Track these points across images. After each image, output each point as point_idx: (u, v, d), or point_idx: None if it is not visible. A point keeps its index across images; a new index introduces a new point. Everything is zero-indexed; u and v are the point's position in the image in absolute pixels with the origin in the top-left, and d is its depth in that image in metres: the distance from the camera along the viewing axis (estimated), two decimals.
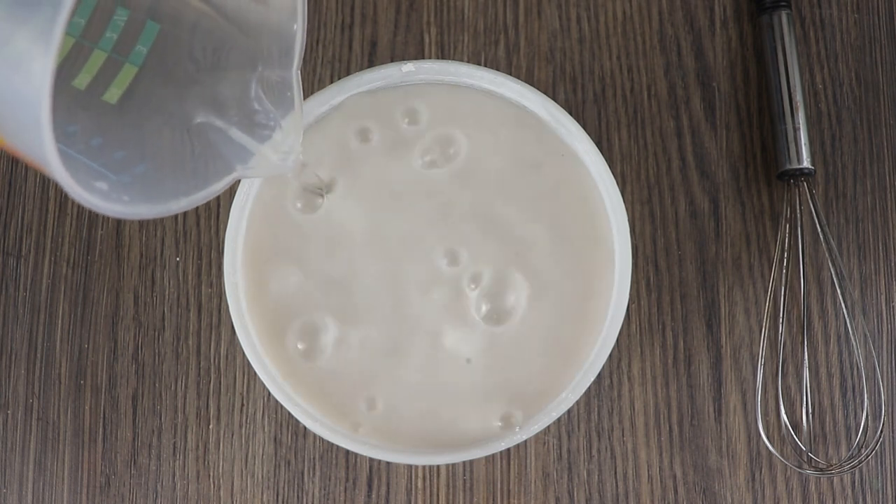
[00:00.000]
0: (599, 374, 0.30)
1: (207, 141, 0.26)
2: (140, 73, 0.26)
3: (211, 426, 0.36)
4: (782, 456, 0.35)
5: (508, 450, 0.35)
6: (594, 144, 0.29)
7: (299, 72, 0.26)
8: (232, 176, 0.25)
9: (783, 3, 0.36)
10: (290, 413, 0.29)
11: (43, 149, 0.18)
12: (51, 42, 0.17)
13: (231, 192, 0.36)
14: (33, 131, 0.18)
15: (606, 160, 0.29)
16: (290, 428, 0.35)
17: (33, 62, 0.18)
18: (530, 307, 0.29)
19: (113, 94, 0.25)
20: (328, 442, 0.31)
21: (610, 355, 0.29)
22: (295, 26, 0.25)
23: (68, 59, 0.25)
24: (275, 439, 0.35)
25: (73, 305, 0.36)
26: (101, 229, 0.37)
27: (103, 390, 0.36)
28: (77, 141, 0.24)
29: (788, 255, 0.35)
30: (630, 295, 0.29)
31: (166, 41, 0.26)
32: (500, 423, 0.29)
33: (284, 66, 0.25)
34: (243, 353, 0.29)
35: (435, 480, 0.35)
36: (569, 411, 0.30)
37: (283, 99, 0.26)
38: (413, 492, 0.35)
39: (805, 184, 0.35)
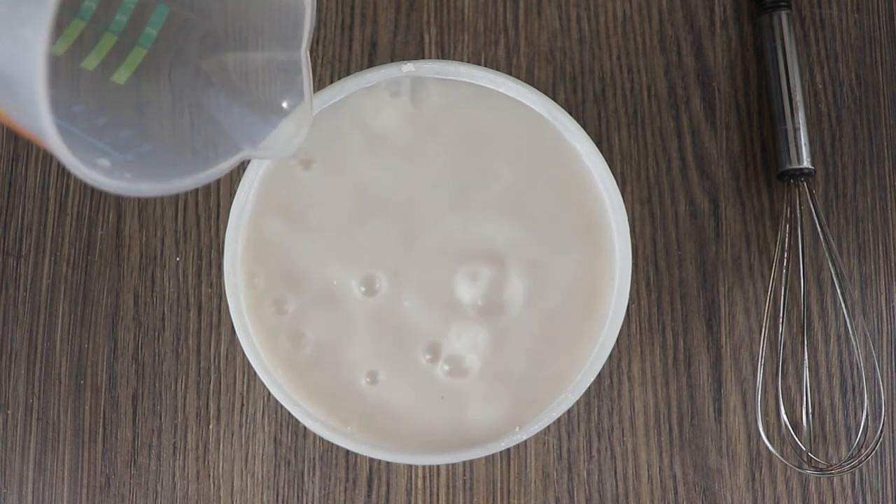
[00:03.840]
0: (599, 374, 0.30)
1: (214, 121, 0.26)
2: (148, 54, 0.26)
3: (211, 426, 0.36)
4: (782, 456, 0.35)
5: (508, 450, 0.35)
6: (594, 144, 0.29)
7: (308, 52, 0.25)
8: (238, 156, 0.25)
9: (783, 3, 0.36)
10: (290, 413, 0.29)
11: (40, 121, 0.18)
12: (45, 11, 0.17)
13: (231, 191, 0.36)
14: (29, 103, 0.18)
15: (606, 160, 0.29)
16: (290, 428, 0.35)
17: (25, 32, 0.18)
18: (529, 307, 0.29)
19: (121, 76, 0.26)
20: (328, 442, 0.31)
21: (610, 355, 0.29)
22: (304, 4, 0.25)
23: (78, 41, 0.25)
24: (275, 439, 0.35)
25: (73, 305, 0.36)
26: (101, 229, 0.37)
27: (103, 390, 0.36)
28: (82, 120, 0.24)
29: (788, 255, 0.35)
30: (630, 295, 0.29)
31: (175, 22, 0.26)
32: (499, 423, 0.29)
33: (293, 46, 0.25)
34: (243, 353, 0.29)
35: (435, 480, 0.35)
36: (569, 411, 0.30)
37: (292, 81, 0.26)
38: (413, 492, 0.35)
39: (805, 184, 0.35)
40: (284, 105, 0.26)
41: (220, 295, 0.36)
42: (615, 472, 0.35)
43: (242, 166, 0.36)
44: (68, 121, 0.23)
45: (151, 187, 0.22)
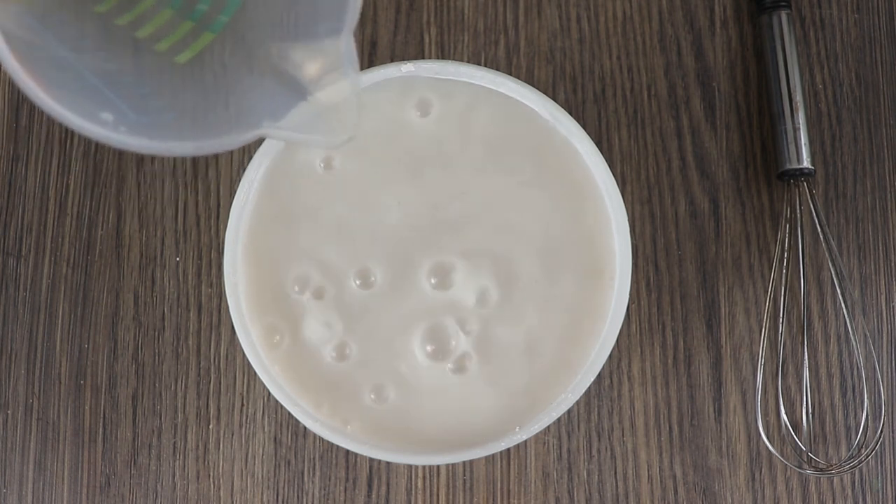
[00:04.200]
0: (599, 374, 0.30)
1: (245, 98, 0.26)
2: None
3: (211, 426, 0.36)
4: (782, 456, 0.35)
5: (508, 450, 0.35)
6: (594, 144, 0.29)
7: (352, 37, 0.25)
8: (254, 133, 0.24)
9: (783, 3, 0.36)
10: (290, 413, 0.29)
11: None
12: None
13: (231, 192, 0.36)
14: None
15: (606, 160, 0.29)
16: (290, 428, 0.35)
17: None
18: (529, 306, 0.29)
19: (184, 57, 0.27)
20: (328, 442, 0.31)
21: (610, 355, 0.29)
22: None
23: (161, 28, 0.27)
24: (275, 439, 0.35)
25: (73, 305, 0.36)
26: (101, 229, 0.37)
27: (103, 390, 0.36)
28: (125, 87, 0.24)
29: (788, 255, 0.35)
30: (630, 295, 0.29)
31: (243, 9, 0.27)
32: (499, 423, 0.29)
33: (337, 30, 0.25)
34: (243, 353, 0.29)
35: (435, 480, 0.35)
36: (569, 411, 0.30)
37: (334, 67, 0.25)
38: (413, 492, 0.35)
39: (805, 184, 0.35)
40: (324, 90, 0.25)
41: (220, 295, 0.36)
42: (615, 472, 0.35)
43: (242, 166, 0.36)
44: (111, 87, 0.24)
45: (143, 144, 0.22)
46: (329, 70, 0.25)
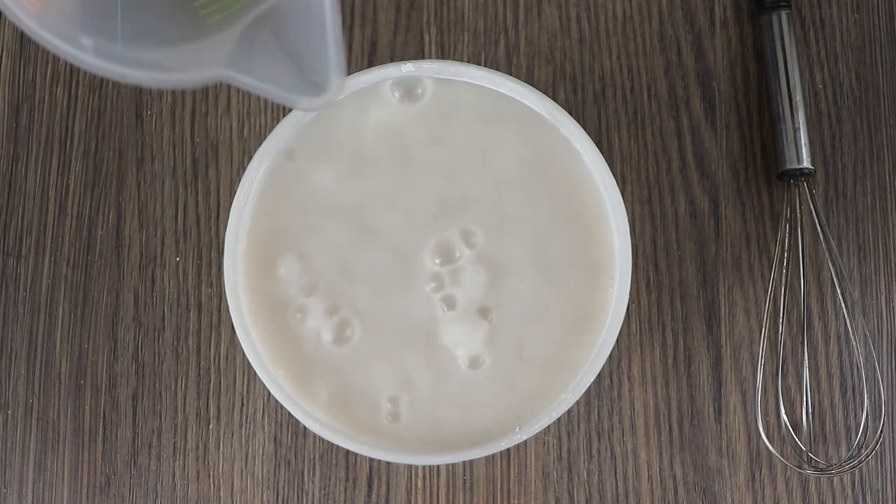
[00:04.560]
0: (599, 374, 0.30)
1: (221, 44, 0.26)
2: None
3: (211, 426, 0.36)
4: (782, 456, 0.35)
5: (508, 450, 0.35)
6: (594, 144, 0.29)
7: None
8: (213, 72, 0.23)
9: (783, 3, 0.36)
10: (290, 413, 0.29)
11: None
12: None
13: (231, 192, 0.36)
14: None
15: (606, 160, 0.29)
16: (290, 428, 0.35)
17: None
18: (529, 306, 0.29)
19: (215, 19, 0.27)
20: (328, 442, 0.31)
21: (610, 355, 0.29)
22: None
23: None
24: (275, 439, 0.35)
25: (73, 305, 0.36)
26: (101, 229, 0.37)
27: (103, 390, 0.36)
28: (133, 31, 0.24)
29: (788, 255, 0.35)
30: (630, 295, 0.29)
31: None
32: (499, 423, 0.29)
33: None
34: (243, 353, 0.29)
35: (435, 480, 0.35)
36: (569, 411, 0.30)
37: (318, 22, 0.24)
38: (413, 492, 0.35)
39: (805, 184, 0.35)
40: (303, 46, 0.25)
41: (220, 295, 0.36)
42: (615, 472, 0.35)
43: (242, 166, 0.36)
44: (128, 27, 0.24)
45: (103, 66, 0.21)
46: (311, 28, 0.24)
